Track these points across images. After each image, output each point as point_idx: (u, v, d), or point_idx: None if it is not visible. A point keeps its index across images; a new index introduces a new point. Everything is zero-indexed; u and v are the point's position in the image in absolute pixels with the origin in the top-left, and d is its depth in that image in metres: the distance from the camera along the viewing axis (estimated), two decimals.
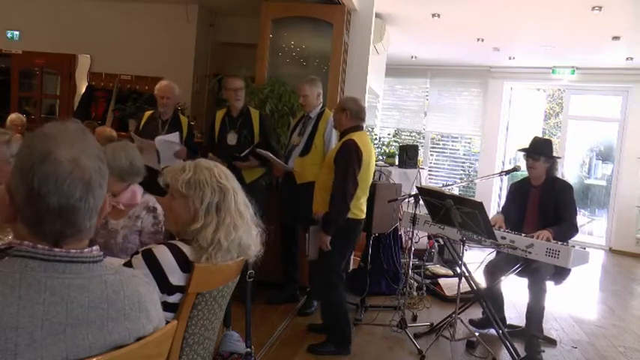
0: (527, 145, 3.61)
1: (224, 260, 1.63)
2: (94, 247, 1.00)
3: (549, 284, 3.40)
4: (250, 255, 1.74)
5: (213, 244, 1.61)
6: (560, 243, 3.08)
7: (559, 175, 3.82)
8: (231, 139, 3.87)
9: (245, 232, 1.69)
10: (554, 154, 3.63)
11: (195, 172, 1.67)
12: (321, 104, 3.89)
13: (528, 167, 3.55)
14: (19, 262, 0.91)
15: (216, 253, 1.61)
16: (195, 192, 1.65)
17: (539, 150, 3.51)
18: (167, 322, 1.17)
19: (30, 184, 0.90)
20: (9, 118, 4.99)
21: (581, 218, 3.53)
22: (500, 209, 3.85)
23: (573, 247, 3.04)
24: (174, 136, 3.87)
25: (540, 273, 3.28)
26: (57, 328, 0.90)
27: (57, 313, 0.90)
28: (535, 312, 3.33)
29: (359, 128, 3.24)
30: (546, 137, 4.39)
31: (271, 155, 3.71)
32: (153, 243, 2.35)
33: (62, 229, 0.94)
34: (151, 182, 2.58)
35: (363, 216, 3.27)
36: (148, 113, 4.13)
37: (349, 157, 3.07)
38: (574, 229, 3.38)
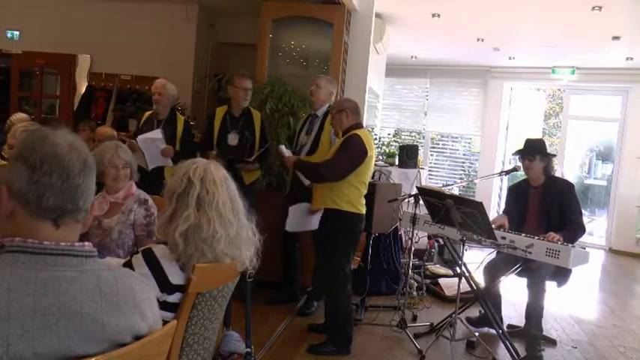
0: (521, 148, 3.60)
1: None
2: (86, 243, 1.02)
3: (552, 286, 3.40)
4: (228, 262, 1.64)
5: (168, 236, 1.57)
6: (561, 243, 3.08)
7: (559, 175, 3.82)
8: (232, 139, 3.79)
9: (219, 237, 1.59)
10: (548, 151, 3.61)
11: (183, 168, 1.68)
12: (329, 104, 3.85)
13: (525, 169, 3.54)
14: (10, 257, 0.94)
15: (175, 248, 1.56)
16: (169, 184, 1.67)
17: (534, 149, 3.51)
18: (167, 322, 1.18)
19: (32, 163, 0.96)
20: (13, 117, 4.96)
21: (583, 218, 3.53)
22: (502, 212, 3.83)
23: (573, 247, 3.03)
24: (157, 133, 3.74)
25: (540, 272, 3.27)
26: (49, 319, 0.91)
27: (49, 304, 0.92)
28: (535, 311, 3.33)
29: (360, 126, 3.22)
30: (538, 137, 4.37)
31: (285, 150, 3.46)
32: (145, 234, 2.41)
33: (63, 203, 0.98)
34: (144, 182, 2.68)
35: (364, 211, 3.26)
36: (147, 113, 4.10)
37: (346, 151, 3.07)
38: (582, 230, 3.37)
